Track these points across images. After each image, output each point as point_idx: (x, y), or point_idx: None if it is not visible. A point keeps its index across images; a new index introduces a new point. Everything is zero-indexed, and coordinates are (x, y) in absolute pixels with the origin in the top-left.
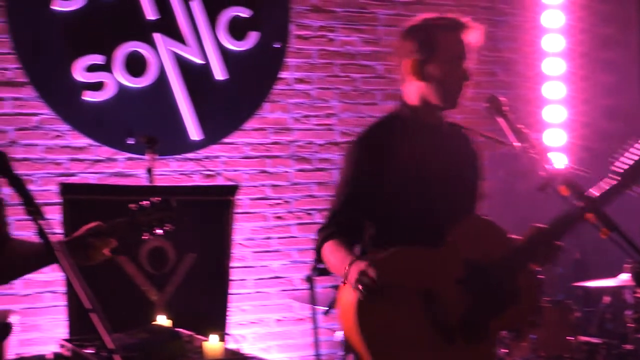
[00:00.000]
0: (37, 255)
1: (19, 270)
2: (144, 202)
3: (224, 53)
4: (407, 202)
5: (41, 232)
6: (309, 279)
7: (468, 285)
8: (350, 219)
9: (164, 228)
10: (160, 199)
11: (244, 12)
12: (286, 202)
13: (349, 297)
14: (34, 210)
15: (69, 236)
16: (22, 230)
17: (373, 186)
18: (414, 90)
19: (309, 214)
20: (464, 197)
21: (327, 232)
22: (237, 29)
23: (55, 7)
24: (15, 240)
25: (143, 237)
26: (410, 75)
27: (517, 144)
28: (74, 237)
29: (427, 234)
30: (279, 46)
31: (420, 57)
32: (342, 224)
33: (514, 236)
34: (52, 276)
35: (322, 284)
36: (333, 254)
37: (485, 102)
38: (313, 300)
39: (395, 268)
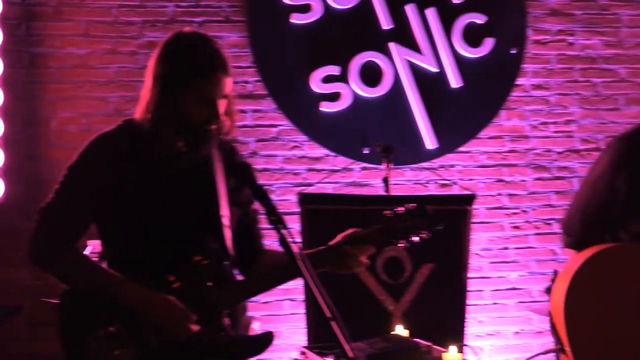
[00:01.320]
0: (285, 267)
1: (270, 282)
2: (399, 209)
3: (459, 60)
4: None
5: (283, 242)
6: (549, 291)
7: None
8: None
9: (420, 235)
10: (415, 205)
11: (479, 19)
12: (523, 211)
13: (560, 289)
14: (276, 219)
15: (321, 245)
16: (266, 239)
17: None
18: None
19: (548, 223)
20: None
21: None
22: (473, 36)
23: (294, 20)
24: (267, 252)
25: (399, 245)
26: None
27: None
28: (330, 245)
29: None
30: (515, 52)
31: None
32: None
33: None
34: (291, 284)
35: None
36: None
37: None
38: None
39: (615, 263)
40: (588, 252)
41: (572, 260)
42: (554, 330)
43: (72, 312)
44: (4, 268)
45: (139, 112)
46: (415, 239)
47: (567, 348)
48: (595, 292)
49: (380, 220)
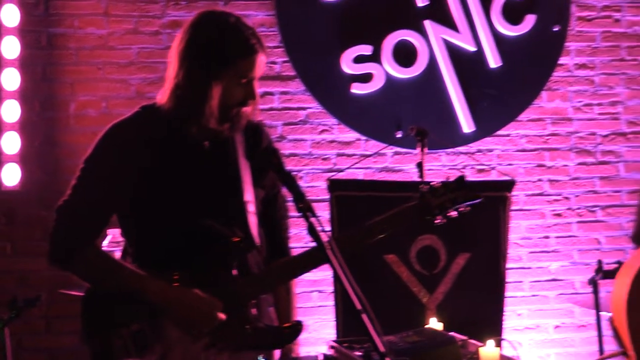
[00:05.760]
0: (313, 254)
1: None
2: (435, 183)
3: (498, 39)
4: None
5: (312, 230)
6: (592, 282)
7: None
8: None
9: (459, 209)
10: (452, 178)
11: None
12: (566, 198)
13: (621, 287)
14: (304, 207)
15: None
16: (292, 227)
17: None
18: None
19: (592, 211)
20: None
21: None
22: (513, 12)
23: None
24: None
25: (435, 222)
26: None
27: None
28: (361, 229)
29: None
30: (558, 29)
31: None
32: None
33: None
34: (319, 275)
35: (607, 288)
36: None
37: None
38: (597, 306)
39: None
40: None
41: (634, 256)
42: (615, 332)
43: (96, 310)
44: (21, 257)
45: (164, 94)
46: (453, 214)
47: (631, 352)
48: None
49: (415, 197)
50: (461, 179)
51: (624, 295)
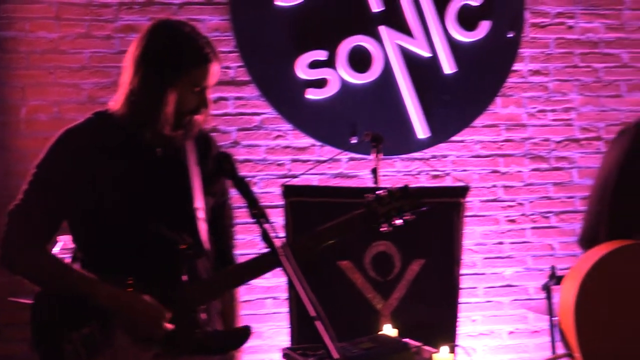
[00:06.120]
0: (263, 258)
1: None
2: (381, 192)
3: (453, 45)
4: None
5: (266, 236)
6: (546, 288)
7: None
8: None
9: (404, 217)
10: (398, 187)
11: (474, 0)
12: (520, 204)
13: (569, 292)
14: (258, 213)
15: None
16: (246, 233)
17: None
18: None
19: (545, 217)
20: None
21: None
22: (468, 19)
23: (279, 3)
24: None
25: (381, 229)
26: None
27: None
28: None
29: None
30: (512, 35)
31: None
32: None
33: None
34: (273, 282)
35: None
36: None
37: None
38: (550, 311)
39: (630, 262)
40: (598, 252)
41: (581, 260)
42: (562, 335)
43: (46, 315)
44: None
45: (118, 100)
46: (399, 222)
47: (577, 354)
48: (607, 294)
49: (361, 205)
50: (406, 187)
51: (572, 300)
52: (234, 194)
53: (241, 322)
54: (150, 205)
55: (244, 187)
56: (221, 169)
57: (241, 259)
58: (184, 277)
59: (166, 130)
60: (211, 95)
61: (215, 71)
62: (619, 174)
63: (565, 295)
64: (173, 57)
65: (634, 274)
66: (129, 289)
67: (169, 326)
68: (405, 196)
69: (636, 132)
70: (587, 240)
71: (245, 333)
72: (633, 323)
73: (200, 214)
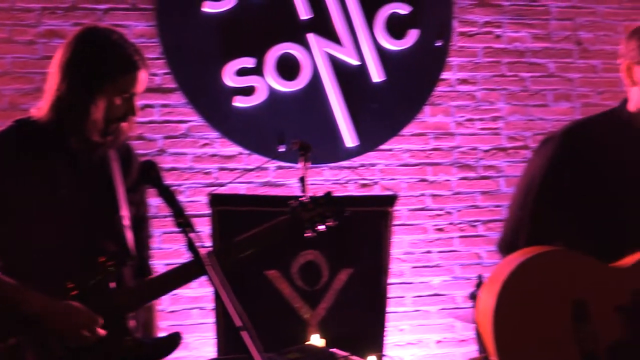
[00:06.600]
0: (190, 266)
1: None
2: (304, 198)
3: (382, 53)
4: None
5: (191, 245)
6: (473, 297)
7: (630, 316)
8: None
9: (327, 224)
10: (321, 194)
11: (403, 9)
12: (448, 213)
13: (488, 298)
14: (184, 222)
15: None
16: (171, 243)
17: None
18: (634, 96)
19: (473, 226)
20: None
21: None
22: (396, 27)
23: (206, 9)
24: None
25: (305, 235)
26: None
27: None
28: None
29: None
30: (440, 44)
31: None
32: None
33: None
34: (200, 292)
35: None
36: None
37: None
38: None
39: (550, 269)
40: (518, 258)
41: (500, 265)
42: (479, 338)
43: None
44: None
45: (43, 106)
46: (322, 227)
47: (493, 358)
48: (526, 300)
49: (285, 212)
50: (329, 194)
51: (491, 304)
52: (160, 202)
53: (159, 333)
54: (76, 212)
55: (169, 196)
56: (146, 177)
57: (166, 269)
58: (112, 284)
59: (94, 137)
60: (137, 102)
61: (143, 78)
62: (542, 181)
63: (485, 300)
64: (101, 64)
65: (552, 280)
66: (72, 292)
67: (102, 332)
68: (328, 202)
69: (561, 141)
70: (507, 246)
71: (175, 340)
72: (550, 329)
73: (126, 222)
